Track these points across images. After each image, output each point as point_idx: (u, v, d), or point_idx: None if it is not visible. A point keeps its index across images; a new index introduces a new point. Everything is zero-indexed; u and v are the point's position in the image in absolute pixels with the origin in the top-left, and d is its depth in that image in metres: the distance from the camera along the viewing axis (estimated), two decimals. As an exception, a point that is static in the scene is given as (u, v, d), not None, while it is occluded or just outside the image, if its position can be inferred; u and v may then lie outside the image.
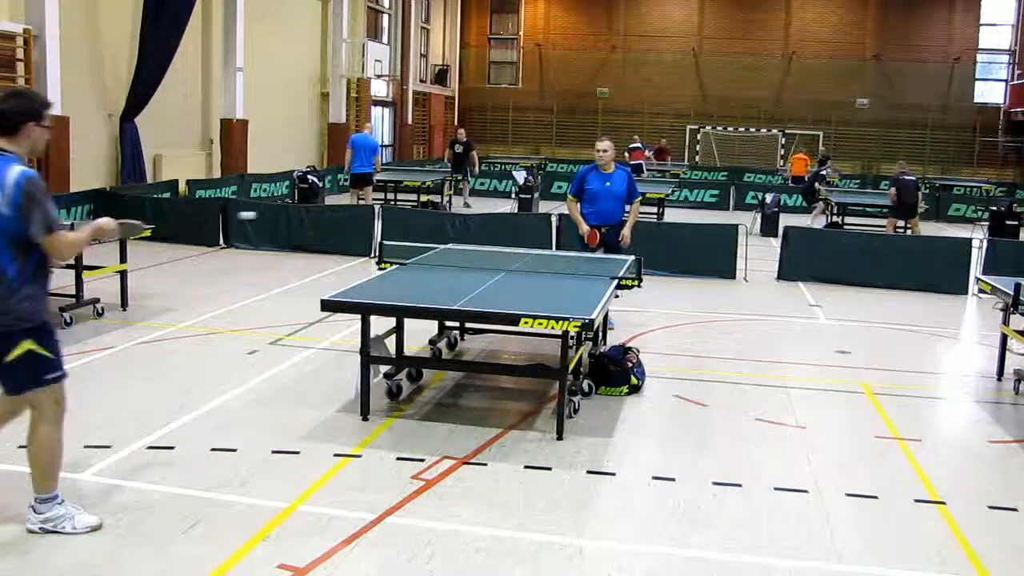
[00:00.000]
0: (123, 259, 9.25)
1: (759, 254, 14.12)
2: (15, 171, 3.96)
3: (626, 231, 8.83)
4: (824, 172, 20.64)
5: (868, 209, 19.27)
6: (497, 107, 36.23)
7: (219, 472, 5.12)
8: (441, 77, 34.36)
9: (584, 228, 8.79)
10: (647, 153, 27.41)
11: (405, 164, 27.46)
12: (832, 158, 25.19)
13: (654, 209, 18.46)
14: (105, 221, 4.43)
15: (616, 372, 6.93)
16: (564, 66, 35.36)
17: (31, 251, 4.04)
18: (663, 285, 11.42)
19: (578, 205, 8.87)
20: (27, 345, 4.09)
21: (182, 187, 17.26)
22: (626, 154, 27.47)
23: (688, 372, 7.66)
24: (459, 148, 21.18)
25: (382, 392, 6.54)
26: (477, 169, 21.88)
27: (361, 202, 16.53)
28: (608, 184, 8.73)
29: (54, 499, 4.31)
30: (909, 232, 15.66)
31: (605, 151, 8.73)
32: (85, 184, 14.98)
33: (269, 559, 4.15)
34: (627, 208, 9.01)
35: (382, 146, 28.76)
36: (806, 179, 22.22)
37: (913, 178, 16.12)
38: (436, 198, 19.52)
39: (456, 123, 35.70)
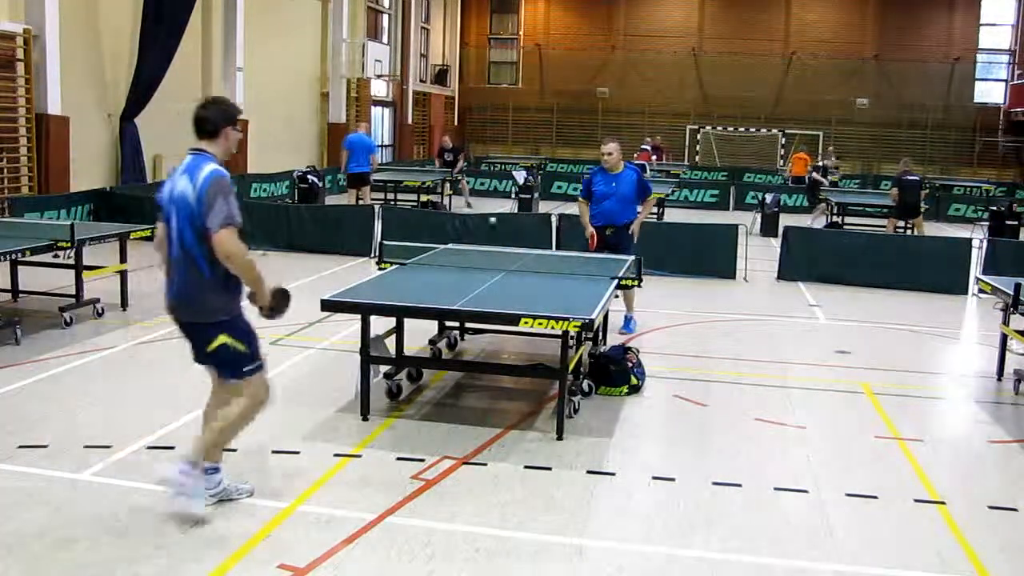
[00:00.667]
0: (123, 259, 9.26)
1: (759, 254, 14.12)
2: (208, 168, 4.26)
3: (635, 226, 8.85)
4: (824, 164, 20.73)
5: (868, 209, 19.27)
6: (497, 107, 36.21)
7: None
8: (441, 77, 34.36)
9: (588, 232, 8.82)
10: (653, 157, 27.36)
11: (405, 164, 27.46)
12: (839, 157, 25.26)
13: (654, 209, 18.43)
14: (270, 292, 4.49)
15: (616, 372, 6.93)
16: (564, 66, 35.34)
17: (211, 248, 4.22)
18: (663, 285, 11.42)
19: (588, 207, 8.90)
20: (222, 339, 4.34)
21: (182, 187, 17.23)
22: (635, 155, 27.47)
23: (688, 372, 7.66)
24: (448, 156, 21.33)
25: (382, 392, 6.54)
26: (461, 164, 21.73)
27: (360, 202, 16.53)
28: (614, 185, 8.73)
29: (204, 469, 4.45)
30: (912, 232, 15.62)
31: (610, 154, 8.72)
32: (85, 184, 14.99)
33: (269, 559, 4.15)
34: (639, 208, 8.99)
35: (382, 146, 28.78)
36: (807, 179, 22.24)
37: (916, 177, 16.02)
38: (436, 198, 19.55)
39: (456, 123, 35.75)
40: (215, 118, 4.41)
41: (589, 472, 5.35)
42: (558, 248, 12.23)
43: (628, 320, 9.07)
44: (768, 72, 33.83)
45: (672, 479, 5.30)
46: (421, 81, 32.28)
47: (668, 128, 33.79)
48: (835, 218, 18.63)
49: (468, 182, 22.11)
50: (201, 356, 4.53)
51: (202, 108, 4.44)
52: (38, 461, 5.16)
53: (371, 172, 16.99)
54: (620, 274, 7.23)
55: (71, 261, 8.54)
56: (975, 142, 33.11)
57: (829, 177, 22.22)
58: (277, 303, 4.52)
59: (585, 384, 6.80)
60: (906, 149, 32.93)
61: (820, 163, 20.53)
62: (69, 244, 8.23)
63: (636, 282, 7.39)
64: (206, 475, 4.50)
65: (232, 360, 4.43)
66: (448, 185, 20.30)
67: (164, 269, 4.53)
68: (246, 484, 4.72)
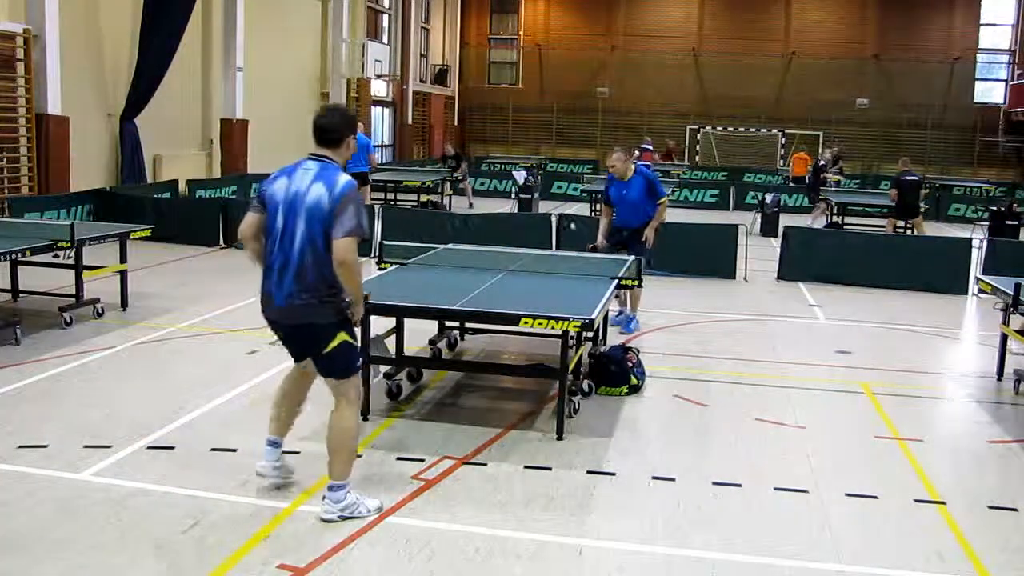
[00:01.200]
0: (123, 259, 9.26)
1: (759, 254, 14.12)
2: (344, 179, 4.38)
3: (648, 231, 9.01)
4: (824, 164, 20.70)
5: (868, 209, 19.27)
6: (497, 107, 36.21)
7: (219, 472, 5.12)
8: (441, 77, 34.35)
9: (596, 243, 9.17)
10: (655, 156, 27.35)
11: (405, 164, 27.46)
12: (844, 157, 25.17)
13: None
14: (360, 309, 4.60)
15: (616, 372, 6.93)
16: (564, 66, 35.33)
17: None
18: (663, 285, 11.42)
19: (609, 212, 9.22)
20: (342, 336, 4.45)
21: (182, 187, 17.26)
22: (636, 152, 27.43)
23: (688, 372, 7.66)
24: (451, 163, 21.48)
25: (382, 392, 6.54)
26: (463, 169, 21.88)
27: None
28: (625, 192, 8.99)
29: (346, 487, 4.51)
30: (912, 232, 15.63)
31: (613, 166, 9.04)
32: (85, 184, 14.98)
33: (269, 559, 4.15)
34: (652, 213, 9.09)
35: (382, 146, 28.77)
36: (807, 179, 22.21)
37: (916, 177, 16.05)
38: (436, 198, 19.58)
39: (456, 123, 35.73)
40: (340, 127, 4.49)
41: (589, 472, 5.35)
42: (558, 248, 12.23)
43: (629, 320, 9.08)
44: (768, 72, 33.83)
45: (672, 479, 5.30)
46: (421, 81, 32.28)
47: (668, 128, 33.79)
48: (835, 218, 18.63)
49: (470, 181, 22.21)
50: (316, 357, 4.55)
51: (325, 117, 4.51)
52: (38, 461, 5.16)
53: (370, 172, 16.99)
54: (620, 274, 7.24)
55: (71, 261, 8.53)
56: (975, 142, 33.11)
57: (839, 165, 22.10)
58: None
59: (585, 384, 6.80)
60: (906, 149, 32.93)
61: (821, 161, 20.53)
62: (69, 244, 8.23)
63: (636, 282, 7.40)
64: (331, 491, 4.53)
65: (349, 357, 4.53)
66: (448, 185, 20.36)
67: (258, 261, 4.59)
68: (376, 501, 4.68)
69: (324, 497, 4.55)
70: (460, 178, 21.32)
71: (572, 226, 12.50)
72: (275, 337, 4.77)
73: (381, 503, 4.68)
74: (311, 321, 4.44)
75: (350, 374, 4.57)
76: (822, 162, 21.50)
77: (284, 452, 4.87)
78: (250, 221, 4.58)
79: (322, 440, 5.43)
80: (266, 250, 4.52)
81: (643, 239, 8.96)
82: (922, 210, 16.21)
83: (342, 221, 4.27)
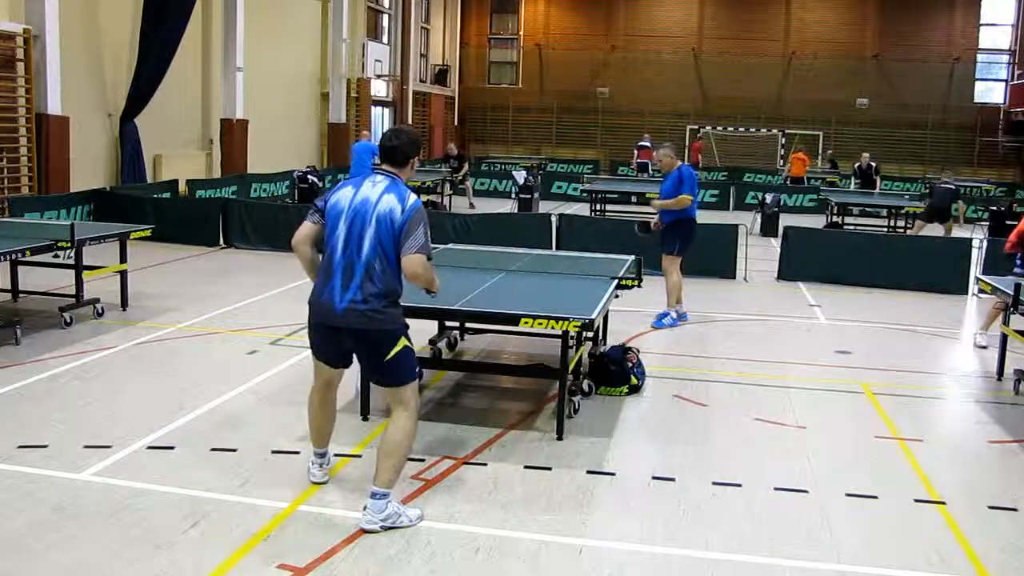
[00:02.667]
0: (123, 259, 9.26)
1: (759, 254, 14.12)
2: (414, 197, 4.53)
3: (656, 201, 9.63)
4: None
5: (868, 209, 19.27)
6: (497, 107, 36.21)
7: (219, 472, 5.12)
8: (441, 77, 34.35)
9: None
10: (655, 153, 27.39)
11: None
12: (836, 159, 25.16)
13: (654, 209, 18.41)
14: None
15: (616, 372, 6.93)
16: (564, 66, 35.33)
17: (399, 263, 4.48)
18: (663, 285, 11.40)
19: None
20: (403, 342, 4.54)
21: (182, 187, 17.27)
22: (635, 151, 27.46)
23: (688, 372, 7.66)
24: (454, 163, 21.43)
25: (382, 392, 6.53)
26: (465, 170, 21.93)
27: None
28: (663, 184, 9.56)
29: (388, 496, 4.50)
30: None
31: (660, 160, 9.64)
32: (85, 184, 14.99)
33: (269, 559, 4.15)
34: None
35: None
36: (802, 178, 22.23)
37: (951, 186, 16.56)
38: (436, 198, 19.57)
39: (456, 123, 35.73)
40: (407, 150, 4.64)
41: (589, 472, 5.35)
42: (558, 248, 12.22)
43: (680, 316, 9.48)
44: (768, 72, 33.83)
45: (672, 479, 5.30)
46: (421, 81, 32.28)
47: (668, 128, 33.78)
48: (835, 218, 18.64)
49: (471, 182, 22.20)
50: (375, 366, 4.59)
51: (392, 139, 4.66)
52: (38, 461, 5.16)
53: None
54: (620, 274, 7.23)
55: (71, 261, 8.53)
56: (975, 142, 33.12)
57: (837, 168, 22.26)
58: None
59: (585, 384, 6.80)
60: (906, 149, 33.03)
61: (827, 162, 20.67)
62: (69, 244, 8.23)
63: (636, 282, 7.38)
64: (373, 499, 4.48)
65: (408, 362, 4.58)
66: (449, 186, 20.36)
67: (309, 269, 4.70)
68: (417, 510, 4.64)
69: (365, 506, 4.48)
70: (461, 179, 21.30)
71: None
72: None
73: (421, 512, 4.64)
74: (374, 327, 4.47)
75: (410, 380, 4.59)
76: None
77: (284, 452, 4.86)
78: (306, 230, 4.69)
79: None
80: (325, 258, 4.57)
81: (673, 225, 9.42)
82: (953, 215, 16.62)
83: (416, 238, 4.41)
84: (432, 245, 4.68)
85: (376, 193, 4.48)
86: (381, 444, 4.55)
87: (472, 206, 20.09)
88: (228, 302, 9.69)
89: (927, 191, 16.41)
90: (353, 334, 4.51)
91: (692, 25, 34.62)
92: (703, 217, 10.72)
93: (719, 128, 34.17)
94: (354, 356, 4.70)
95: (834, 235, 14.65)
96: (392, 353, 4.49)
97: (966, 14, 33.20)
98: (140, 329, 8.41)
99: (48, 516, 4.49)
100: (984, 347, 8.85)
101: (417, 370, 4.67)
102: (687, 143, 34.21)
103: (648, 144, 27.03)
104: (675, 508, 4.91)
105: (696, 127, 34.27)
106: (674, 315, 9.43)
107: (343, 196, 4.56)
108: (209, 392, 6.57)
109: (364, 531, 4.42)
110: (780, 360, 8.30)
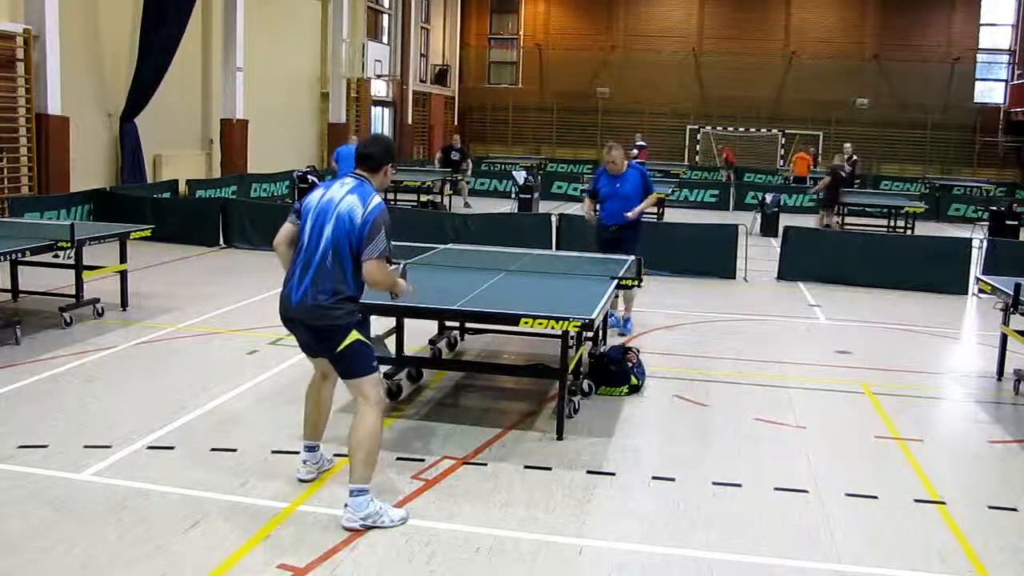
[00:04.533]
0: (123, 259, 9.26)
1: (759, 254, 14.12)
2: (377, 199, 4.60)
3: (632, 212, 8.76)
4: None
5: (868, 209, 19.28)
6: (497, 107, 36.21)
7: (219, 472, 5.12)
8: (441, 77, 34.35)
9: (587, 214, 9.27)
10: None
11: (405, 164, 27.44)
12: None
13: (654, 209, 18.44)
14: (404, 284, 4.87)
15: (616, 372, 6.92)
16: (564, 66, 35.33)
17: (358, 263, 4.54)
18: (663, 285, 11.42)
19: (592, 204, 9.19)
20: (354, 335, 4.57)
21: (182, 187, 17.27)
22: (635, 151, 27.46)
23: (688, 372, 7.66)
24: (455, 155, 21.29)
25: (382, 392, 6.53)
26: (470, 173, 21.91)
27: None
28: (618, 186, 8.88)
29: (367, 492, 4.50)
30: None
31: (613, 162, 8.95)
32: (85, 184, 14.99)
33: (269, 559, 4.15)
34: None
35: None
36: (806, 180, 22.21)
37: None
38: (436, 198, 19.55)
39: (456, 123, 35.72)
40: (379, 156, 4.74)
41: (589, 472, 5.35)
42: (558, 248, 12.23)
43: (626, 321, 9.07)
44: (768, 72, 33.83)
45: (672, 479, 5.30)
46: (421, 81, 32.28)
47: (668, 128, 33.80)
48: (836, 218, 18.62)
49: (468, 182, 22.14)
50: (331, 358, 4.68)
51: (367, 146, 4.79)
52: (38, 461, 5.16)
53: None
54: (620, 274, 7.24)
55: (71, 261, 8.53)
56: (975, 142, 33.12)
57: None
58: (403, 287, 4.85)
59: (585, 384, 6.80)
60: (906, 149, 33.03)
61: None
62: (69, 244, 8.23)
63: (636, 282, 7.39)
64: (351, 496, 4.49)
65: (363, 355, 4.62)
66: (448, 185, 20.32)
67: (286, 268, 4.79)
68: (401, 511, 4.65)
69: (346, 504, 4.50)
70: (461, 176, 21.17)
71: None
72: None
73: (407, 514, 4.63)
74: (324, 322, 4.55)
75: (366, 372, 4.64)
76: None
77: (284, 452, 4.87)
78: (285, 231, 4.85)
79: (321, 441, 5.45)
80: (293, 254, 4.71)
81: (633, 227, 8.83)
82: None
83: (376, 243, 4.47)
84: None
85: (341, 193, 4.61)
86: (348, 440, 4.59)
87: (467, 205, 20.04)
88: (228, 302, 9.69)
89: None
90: (305, 326, 4.64)
91: (692, 25, 34.63)
92: (703, 217, 10.71)
93: (719, 128, 34.17)
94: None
95: (834, 235, 14.66)
96: (343, 345, 4.55)
97: (966, 14, 33.20)
98: (140, 329, 8.41)
99: (48, 516, 4.49)
100: None
101: (375, 364, 4.70)
102: (687, 143, 34.26)
103: (644, 144, 27.03)
104: (675, 508, 4.91)
105: (696, 127, 34.28)
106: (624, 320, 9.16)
107: (314, 196, 4.73)
108: (209, 392, 6.57)
109: (345, 528, 4.44)
110: (780, 360, 8.30)
